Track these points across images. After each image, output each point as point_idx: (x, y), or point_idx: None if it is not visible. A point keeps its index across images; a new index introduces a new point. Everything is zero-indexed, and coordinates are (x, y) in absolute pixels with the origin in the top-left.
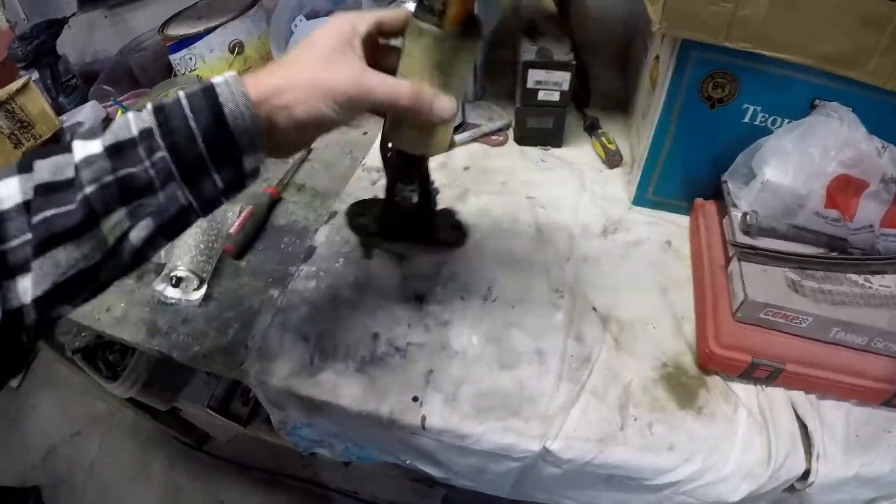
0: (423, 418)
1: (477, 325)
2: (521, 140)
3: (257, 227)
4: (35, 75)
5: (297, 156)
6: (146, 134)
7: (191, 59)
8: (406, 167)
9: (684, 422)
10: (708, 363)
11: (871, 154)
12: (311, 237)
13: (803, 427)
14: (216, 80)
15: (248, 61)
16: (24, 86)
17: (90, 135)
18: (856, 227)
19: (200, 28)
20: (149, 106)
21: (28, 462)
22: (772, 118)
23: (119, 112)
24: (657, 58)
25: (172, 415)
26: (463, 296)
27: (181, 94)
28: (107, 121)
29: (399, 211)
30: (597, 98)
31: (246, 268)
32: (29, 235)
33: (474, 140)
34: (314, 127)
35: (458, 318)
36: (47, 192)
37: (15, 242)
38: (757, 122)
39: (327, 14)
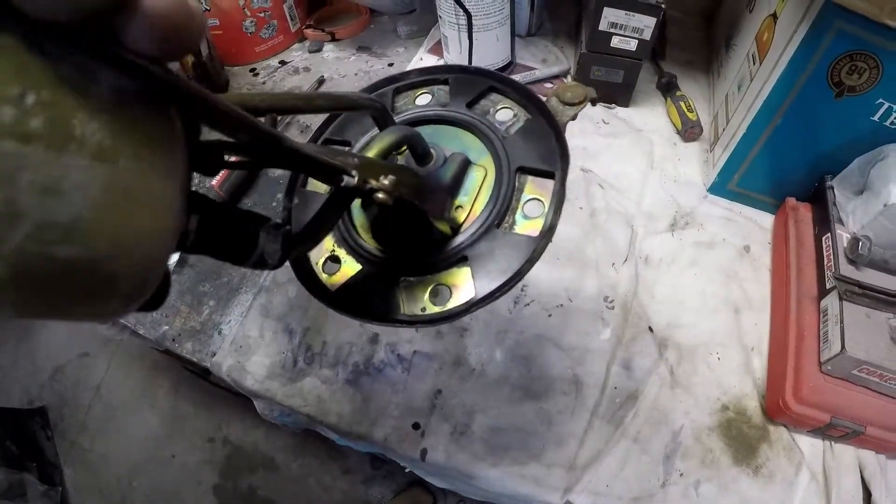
0: (424, 452)
1: (502, 337)
2: None
3: (248, 177)
4: None
5: (307, 86)
6: None
7: None
8: None
9: (737, 482)
10: (778, 416)
11: None
12: None
13: (867, 491)
14: None
15: None
16: None
17: None
18: None
19: None
20: None
21: (36, 380)
22: None
23: None
24: (773, 16)
25: None
26: None
27: None
28: None
29: None
30: (675, 49)
31: None
32: None
33: None
34: None
35: (481, 324)
36: None
37: None
38: (888, 124)
39: None
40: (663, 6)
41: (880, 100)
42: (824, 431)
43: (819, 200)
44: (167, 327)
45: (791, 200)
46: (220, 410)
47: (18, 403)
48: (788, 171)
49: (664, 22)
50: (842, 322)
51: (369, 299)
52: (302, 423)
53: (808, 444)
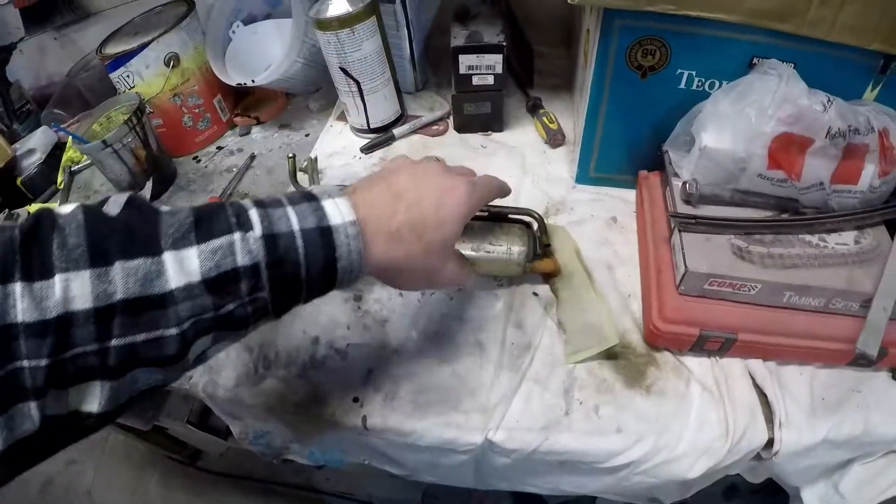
0: (364, 419)
1: (416, 321)
2: (461, 128)
3: None
4: None
5: (241, 163)
6: (252, 271)
7: (128, 76)
8: None
9: (633, 401)
10: (655, 340)
11: (813, 110)
12: None
13: (763, 396)
14: (335, 221)
15: (185, 73)
16: None
17: (180, 234)
18: (804, 186)
19: (135, 44)
20: (257, 230)
21: (27, 497)
22: (709, 81)
23: (69, 141)
24: (588, 30)
25: (161, 433)
26: (401, 293)
27: (297, 228)
28: (58, 147)
29: None
30: (544, 77)
31: None
32: (95, 346)
33: (414, 132)
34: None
35: (397, 314)
36: (136, 311)
37: (80, 350)
38: (694, 87)
39: (266, 17)
40: (504, 44)
41: (679, 70)
42: (702, 346)
43: (663, 165)
44: None
45: (643, 172)
46: (212, 493)
47: None
48: (633, 149)
49: (531, 55)
50: (683, 248)
51: None
52: (276, 445)
53: (695, 363)
